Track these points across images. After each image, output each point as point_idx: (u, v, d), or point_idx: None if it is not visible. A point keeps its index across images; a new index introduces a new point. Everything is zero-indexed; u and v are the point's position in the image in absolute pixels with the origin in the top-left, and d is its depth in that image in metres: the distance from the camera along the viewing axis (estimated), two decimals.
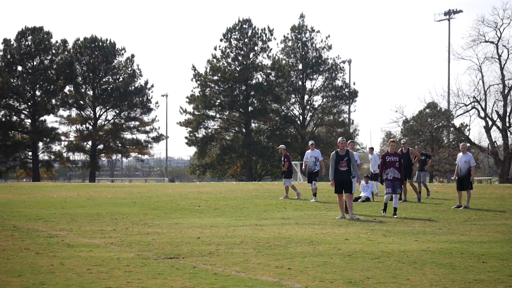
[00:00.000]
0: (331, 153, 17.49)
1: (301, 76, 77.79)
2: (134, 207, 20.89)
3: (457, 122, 62.73)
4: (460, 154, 21.25)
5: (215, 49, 76.31)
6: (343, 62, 78.00)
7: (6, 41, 75.71)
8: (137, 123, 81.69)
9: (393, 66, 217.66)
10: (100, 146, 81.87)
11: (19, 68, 76.39)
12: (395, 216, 17.32)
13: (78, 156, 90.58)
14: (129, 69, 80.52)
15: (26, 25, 79.11)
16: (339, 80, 77.74)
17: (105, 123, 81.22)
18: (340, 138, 17.70)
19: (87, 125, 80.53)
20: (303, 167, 24.52)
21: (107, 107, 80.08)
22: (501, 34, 55.58)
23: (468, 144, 58.18)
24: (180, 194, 28.02)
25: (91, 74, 78.58)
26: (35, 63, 75.95)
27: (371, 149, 27.39)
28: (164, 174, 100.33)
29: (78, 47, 78.32)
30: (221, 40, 76.32)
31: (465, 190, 20.80)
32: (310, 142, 24.82)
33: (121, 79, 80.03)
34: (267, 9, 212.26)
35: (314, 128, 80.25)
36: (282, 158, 25.45)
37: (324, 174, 24.04)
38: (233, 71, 75.04)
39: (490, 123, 56.29)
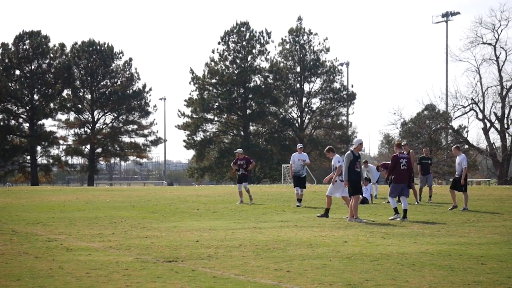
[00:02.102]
0: (347, 153, 17.58)
1: (299, 78, 77.88)
2: (132, 211, 20.87)
3: (455, 124, 62.95)
4: None
5: (213, 52, 76.57)
6: (341, 64, 78.11)
7: (4, 45, 75.76)
8: (135, 126, 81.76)
9: (391, 68, 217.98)
10: (99, 150, 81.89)
11: (17, 72, 76.43)
12: (404, 219, 17.26)
13: (77, 160, 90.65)
14: (127, 72, 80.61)
15: (24, 29, 79.49)
16: (337, 82, 77.90)
17: (103, 126, 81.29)
18: (360, 139, 18.07)
19: (85, 128, 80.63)
20: (290, 172, 23.63)
21: (105, 111, 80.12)
22: (498, 35, 55.77)
23: (466, 146, 58.33)
24: (179, 197, 28.01)
25: (89, 78, 78.64)
26: (33, 67, 75.97)
27: (365, 162, 26.37)
28: (163, 178, 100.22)
29: (76, 51, 78.37)
30: (219, 43, 76.50)
31: (459, 191, 20.83)
32: (299, 146, 23.87)
33: (119, 82, 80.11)
34: (264, 12, 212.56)
35: (312, 131, 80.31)
36: (238, 162, 24.80)
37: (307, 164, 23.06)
38: (231, 74, 75.15)
39: (488, 124, 56.37)
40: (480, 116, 56.33)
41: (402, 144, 23.86)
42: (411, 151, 24.23)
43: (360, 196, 18.09)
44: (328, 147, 19.48)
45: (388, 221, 17.11)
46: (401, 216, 17.37)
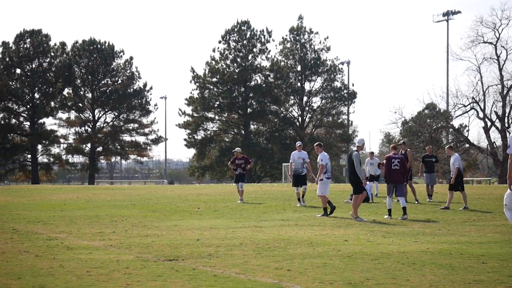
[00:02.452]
0: (356, 153, 17.65)
1: (300, 77, 77.87)
2: (133, 209, 20.88)
3: (456, 123, 62.79)
4: None
5: (213, 51, 76.55)
6: (342, 63, 78.06)
7: (4, 44, 75.82)
8: (136, 125, 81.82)
9: (392, 67, 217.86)
10: (99, 149, 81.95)
11: (18, 71, 76.49)
12: (404, 216, 17.54)
13: (77, 159, 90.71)
14: (128, 71, 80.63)
15: (25, 27, 79.55)
16: (338, 81, 77.90)
17: (104, 125, 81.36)
18: (363, 138, 18.40)
19: (86, 127, 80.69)
20: (290, 170, 23.16)
21: (106, 110, 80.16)
22: (499, 34, 55.77)
23: (467, 145, 58.30)
24: (180, 196, 28.01)
25: (90, 77, 78.68)
26: (33, 65, 76.02)
27: (372, 153, 26.90)
28: (163, 176, 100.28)
29: (76, 50, 78.41)
30: (219, 42, 76.50)
31: (457, 191, 20.91)
32: (298, 143, 23.42)
33: (120, 81, 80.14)
34: (265, 11, 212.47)
35: (313, 130, 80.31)
36: (236, 162, 24.77)
37: (311, 178, 22.54)
38: (232, 73, 75.14)
39: (489, 123, 56.37)
40: (481, 115, 56.36)
41: (399, 143, 23.97)
42: (408, 149, 24.26)
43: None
44: (318, 142, 19.69)
45: (388, 220, 17.12)
46: (392, 216, 17.57)
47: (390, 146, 19.43)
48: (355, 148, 17.96)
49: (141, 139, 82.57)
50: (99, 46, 78.91)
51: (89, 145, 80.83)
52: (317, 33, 77.72)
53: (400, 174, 18.15)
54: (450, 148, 22.06)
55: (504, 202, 11.25)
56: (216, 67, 75.49)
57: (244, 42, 75.87)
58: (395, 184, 18.10)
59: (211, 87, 76.00)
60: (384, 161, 18.69)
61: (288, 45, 77.71)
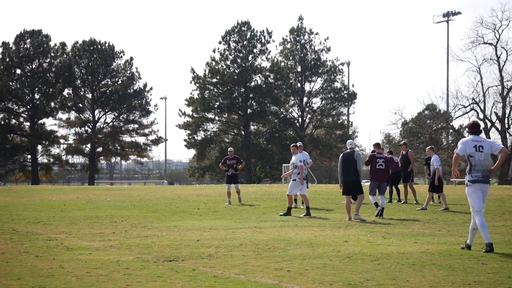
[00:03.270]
0: (358, 152, 17.95)
1: (300, 78, 77.88)
2: (133, 210, 20.88)
3: (456, 123, 63.00)
4: None
5: (214, 51, 76.64)
6: (342, 64, 78.13)
7: (4, 44, 75.85)
8: (136, 125, 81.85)
9: (392, 68, 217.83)
10: (99, 149, 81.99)
11: (18, 71, 76.54)
12: (380, 217, 17.89)
13: (77, 159, 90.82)
14: (128, 71, 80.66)
15: (25, 28, 79.45)
16: (338, 82, 77.93)
17: (104, 126, 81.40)
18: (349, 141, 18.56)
19: (86, 128, 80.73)
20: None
21: (106, 110, 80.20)
22: (499, 35, 55.88)
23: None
24: (179, 196, 28.02)
25: (90, 77, 78.71)
26: (34, 66, 76.06)
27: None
28: (163, 177, 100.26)
29: (77, 50, 78.46)
30: (220, 42, 76.55)
31: (434, 192, 21.02)
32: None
33: (120, 82, 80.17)
34: (266, 11, 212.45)
35: (313, 130, 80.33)
36: (228, 162, 24.04)
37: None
38: (232, 73, 75.18)
39: (489, 124, 56.40)
40: (481, 116, 56.42)
41: (400, 144, 23.96)
42: (409, 150, 24.20)
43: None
44: (294, 143, 19.96)
45: (388, 220, 17.13)
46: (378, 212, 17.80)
47: (373, 144, 19.49)
48: (349, 148, 17.95)
49: (141, 139, 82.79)
50: (99, 46, 78.96)
51: (89, 145, 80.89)
52: (317, 33, 77.87)
53: (384, 174, 18.46)
54: (431, 149, 22.07)
55: (473, 206, 11.18)
56: (216, 67, 75.52)
57: (244, 42, 75.90)
58: (379, 183, 18.46)
59: (211, 87, 76.02)
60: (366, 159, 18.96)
61: (288, 45, 77.75)
